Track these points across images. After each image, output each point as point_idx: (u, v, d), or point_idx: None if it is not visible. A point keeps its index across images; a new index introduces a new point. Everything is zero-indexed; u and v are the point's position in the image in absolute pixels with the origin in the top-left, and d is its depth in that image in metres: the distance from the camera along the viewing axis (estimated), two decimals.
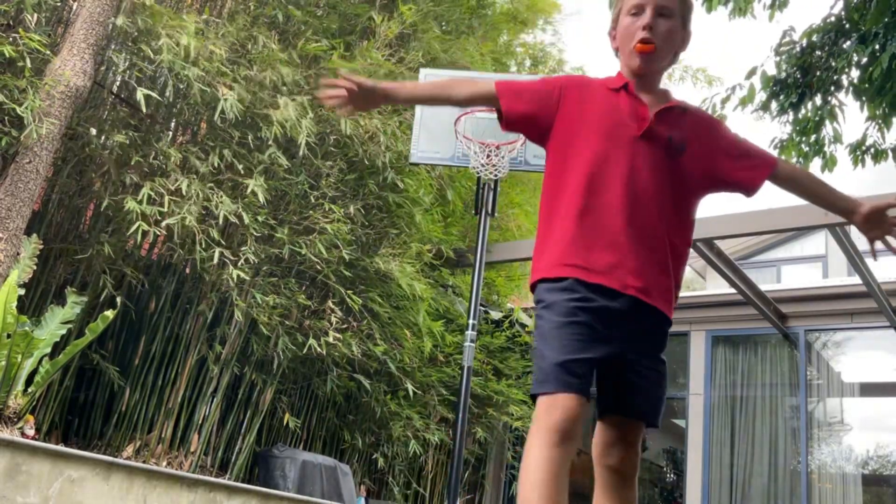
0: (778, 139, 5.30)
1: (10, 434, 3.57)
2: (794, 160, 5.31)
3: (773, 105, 5.20)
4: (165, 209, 4.73)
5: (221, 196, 4.96)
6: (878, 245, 1.89)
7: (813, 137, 5.13)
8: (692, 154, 1.87)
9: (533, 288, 1.87)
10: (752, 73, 5.18)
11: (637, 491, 1.83)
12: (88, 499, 3.31)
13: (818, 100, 5.07)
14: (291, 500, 4.61)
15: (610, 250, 1.77)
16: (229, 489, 4.07)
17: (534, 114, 1.92)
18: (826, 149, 5.18)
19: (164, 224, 4.72)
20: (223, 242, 5.11)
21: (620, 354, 1.76)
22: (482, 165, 4.97)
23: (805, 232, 12.50)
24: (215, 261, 4.92)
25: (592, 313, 1.72)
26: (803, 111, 5.11)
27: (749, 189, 1.93)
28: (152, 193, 4.72)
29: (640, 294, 1.76)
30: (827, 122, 5.08)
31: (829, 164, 5.24)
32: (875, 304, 6.99)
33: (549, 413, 1.64)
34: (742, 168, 1.91)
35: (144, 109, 4.80)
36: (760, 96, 5.20)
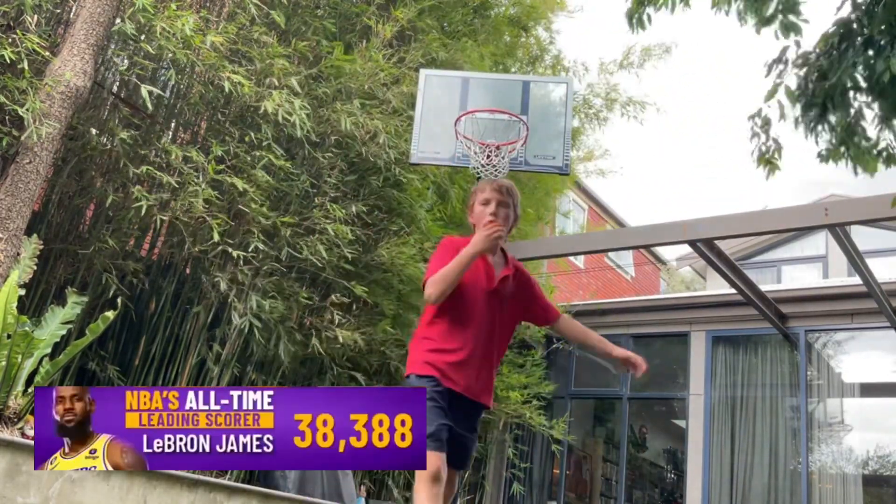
0: (822, 150, 5.18)
1: (10, 434, 3.57)
2: (846, 166, 5.15)
3: (803, 119, 5.11)
4: (168, 195, 4.75)
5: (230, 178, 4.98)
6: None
7: (855, 139, 5.02)
8: (513, 301, 2.79)
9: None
10: (772, 92, 5.08)
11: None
12: (88, 499, 3.31)
13: (840, 104, 4.99)
14: (292, 501, 4.61)
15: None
16: (229, 489, 4.06)
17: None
18: (878, 146, 5.01)
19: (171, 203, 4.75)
20: (230, 224, 5.12)
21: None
22: (482, 166, 4.96)
23: (805, 232, 12.49)
24: (216, 235, 4.92)
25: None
26: (832, 119, 5.02)
27: (542, 324, 2.95)
28: (154, 186, 4.75)
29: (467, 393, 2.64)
30: (866, 121, 4.96)
31: (894, 160, 5.05)
32: (875, 305, 6.98)
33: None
34: (540, 311, 2.91)
35: (149, 107, 4.81)
36: (793, 111, 5.10)
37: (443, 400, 2.53)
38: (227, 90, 4.90)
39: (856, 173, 5.19)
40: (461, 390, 2.58)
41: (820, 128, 5.03)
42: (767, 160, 5.27)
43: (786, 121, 5.09)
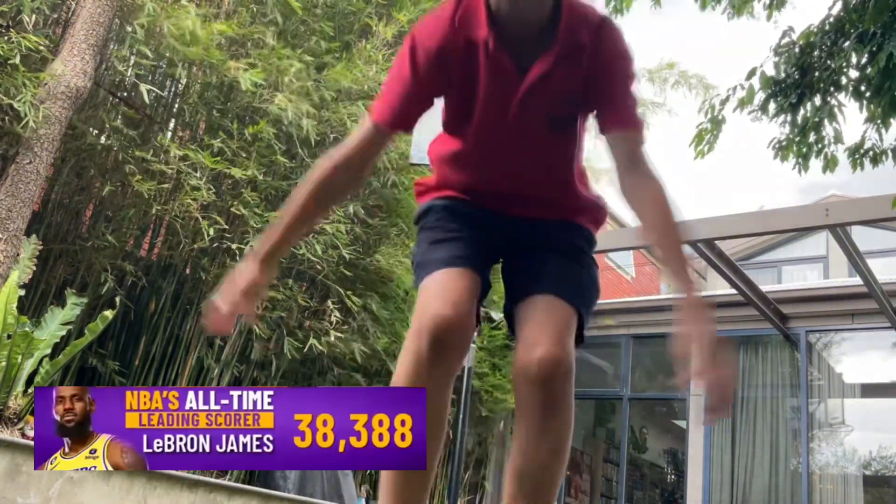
0: (776, 140, 5.28)
1: (10, 435, 3.57)
2: (793, 161, 5.28)
3: (772, 106, 5.18)
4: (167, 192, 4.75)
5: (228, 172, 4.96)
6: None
7: (812, 137, 5.11)
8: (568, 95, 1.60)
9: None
10: (751, 74, 5.15)
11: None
12: (88, 499, 3.31)
13: (817, 100, 5.05)
14: (292, 502, 4.60)
15: None
16: (230, 490, 4.06)
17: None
18: (827, 149, 5.16)
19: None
20: (227, 229, 5.12)
21: None
22: None
23: (806, 232, 12.50)
24: (211, 232, 4.92)
25: None
26: (802, 112, 5.09)
27: (602, 132, 1.63)
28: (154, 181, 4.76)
29: None
30: (826, 122, 5.06)
31: (831, 164, 5.22)
32: (876, 305, 6.99)
33: None
34: (606, 116, 1.62)
35: (148, 113, 4.81)
36: (759, 97, 5.18)
37: (447, 221, 1.66)
38: (230, 84, 4.90)
39: (800, 172, 5.27)
40: (471, 187, 1.65)
41: (785, 117, 5.11)
42: (704, 140, 5.36)
43: (751, 105, 5.16)
